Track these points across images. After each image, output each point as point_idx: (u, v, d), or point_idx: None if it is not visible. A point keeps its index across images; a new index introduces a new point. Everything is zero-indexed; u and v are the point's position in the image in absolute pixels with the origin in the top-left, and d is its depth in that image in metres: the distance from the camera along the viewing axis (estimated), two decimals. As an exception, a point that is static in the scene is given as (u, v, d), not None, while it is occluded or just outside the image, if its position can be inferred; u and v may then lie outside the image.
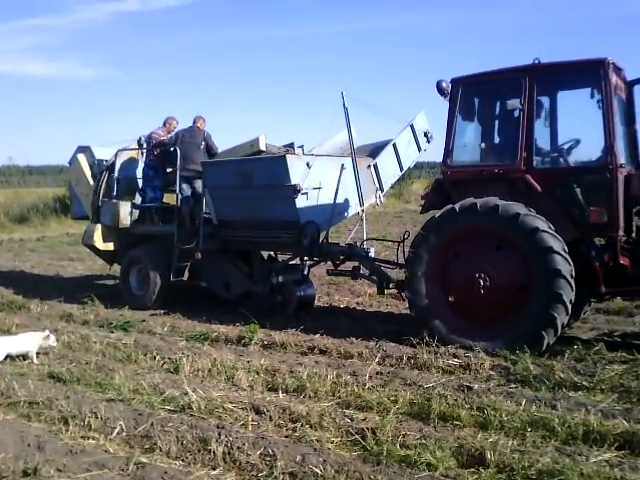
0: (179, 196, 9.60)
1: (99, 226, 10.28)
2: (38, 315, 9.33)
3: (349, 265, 8.93)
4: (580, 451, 4.21)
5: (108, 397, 5.52)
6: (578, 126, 7.37)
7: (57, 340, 7.25)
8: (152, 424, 4.75)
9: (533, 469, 3.91)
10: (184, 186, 9.58)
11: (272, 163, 8.70)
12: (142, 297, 9.80)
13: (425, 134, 10.30)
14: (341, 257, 8.88)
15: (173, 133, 9.96)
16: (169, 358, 6.77)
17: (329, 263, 9.14)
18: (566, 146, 7.22)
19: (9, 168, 56.48)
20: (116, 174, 10.24)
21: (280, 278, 9.01)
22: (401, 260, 8.07)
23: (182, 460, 4.32)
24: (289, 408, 5.05)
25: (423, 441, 4.38)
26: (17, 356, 6.86)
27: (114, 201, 10.14)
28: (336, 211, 8.84)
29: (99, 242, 10.31)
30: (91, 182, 10.58)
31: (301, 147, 10.27)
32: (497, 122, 7.57)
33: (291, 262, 9.45)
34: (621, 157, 6.65)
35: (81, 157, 10.76)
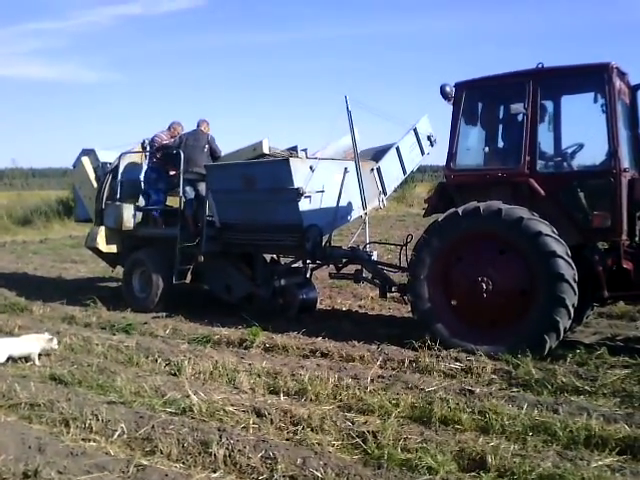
0: (182, 199, 9.61)
1: (102, 229, 10.29)
2: (40, 317, 9.34)
3: (351, 268, 8.93)
4: (582, 456, 4.20)
5: (109, 399, 5.52)
6: (582, 130, 7.36)
7: (59, 342, 7.26)
8: (153, 426, 4.74)
9: (534, 473, 3.90)
10: (187, 189, 9.59)
11: (275, 166, 8.71)
12: (144, 299, 9.80)
13: (428, 138, 10.30)
14: (344, 260, 8.88)
15: (177, 137, 9.98)
16: (171, 360, 6.77)
17: (331, 266, 9.14)
18: (570, 150, 7.21)
19: (13, 171, 56.71)
20: (120, 177, 10.26)
21: (282, 281, 9.01)
22: (404, 263, 8.07)
23: (183, 463, 4.32)
24: (290, 411, 5.05)
25: (424, 445, 4.37)
26: (19, 358, 6.87)
27: (117, 204, 10.15)
28: (339, 214, 8.83)
29: (102, 244, 10.32)
30: (95, 185, 10.60)
31: (304, 150, 10.28)
32: (501, 126, 7.58)
33: (293, 265, 9.45)
34: (625, 161, 6.64)
35: (85, 160, 10.79)
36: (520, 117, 6.97)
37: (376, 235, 14.02)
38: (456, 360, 6.38)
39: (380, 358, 6.61)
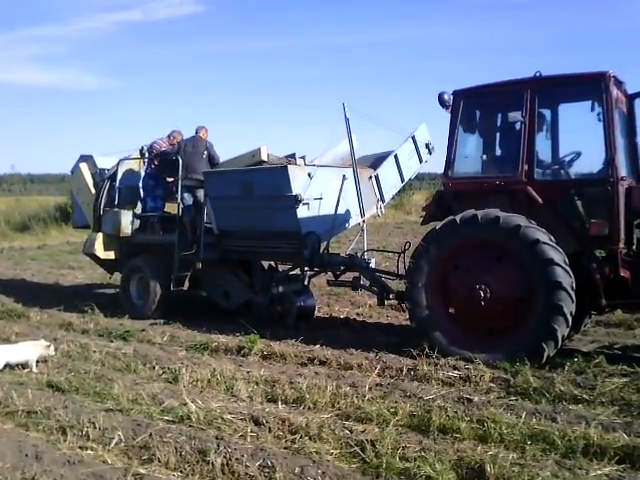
0: (180, 205, 9.61)
1: (100, 235, 10.29)
2: (38, 324, 9.33)
3: (349, 276, 8.92)
4: (580, 465, 4.19)
5: (107, 407, 5.50)
6: (579, 139, 7.40)
7: (56, 349, 7.25)
8: (151, 434, 4.73)
9: (533, 483, 3.89)
10: (186, 195, 9.60)
11: (274, 173, 8.71)
12: (142, 306, 9.79)
13: (426, 145, 10.33)
14: (342, 268, 8.88)
15: (176, 144, 9.99)
16: (168, 368, 6.76)
17: (329, 274, 9.14)
18: (567, 158, 7.23)
19: (11, 176, 56.67)
20: (118, 183, 10.27)
21: (280, 288, 9.00)
22: (402, 271, 8.07)
23: (180, 471, 4.31)
24: (288, 419, 5.03)
25: (423, 454, 4.36)
26: (16, 365, 6.85)
27: (115, 210, 10.16)
28: (337, 222, 8.84)
29: (100, 251, 10.32)
30: (93, 191, 10.60)
31: (303, 157, 10.29)
32: (498, 134, 7.59)
33: (291, 272, 9.44)
34: (622, 170, 6.66)
35: (83, 166, 10.80)
36: (518, 125, 7.00)
37: (374, 242, 14.03)
38: (454, 368, 6.37)
39: (378, 366, 6.60)
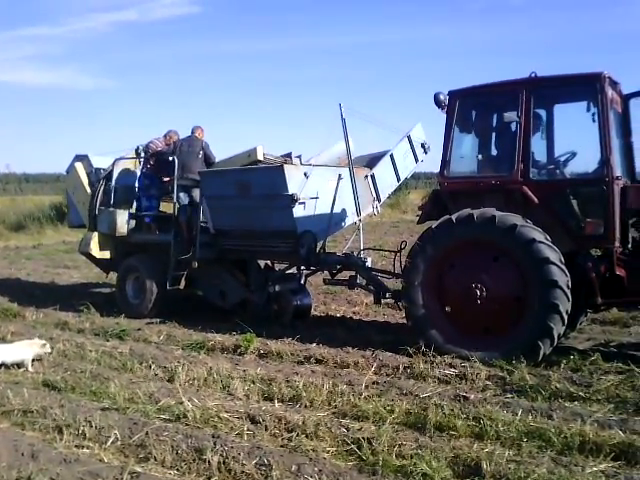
0: (176, 205, 9.60)
1: (96, 234, 10.28)
2: (33, 323, 9.30)
3: (346, 274, 8.93)
4: (576, 461, 4.21)
5: (103, 406, 5.50)
6: (574, 139, 7.43)
7: (52, 348, 7.24)
8: (147, 433, 4.73)
9: (529, 479, 3.90)
10: (181, 195, 9.59)
11: (270, 173, 8.72)
12: (138, 305, 9.78)
13: (422, 145, 10.34)
14: (338, 267, 8.88)
15: (172, 144, 9.98)
16: (165, 367, 6.75)
17: (326, 272, 9.14)
18: (563, 158, 7.26)
19: (6, 176, 56.37)
20: (113, 183, 10.25)
21: (277, 287, 9.01)
22: (398, 270, 8.09)
23: (177, 470, 4.31)
24: (285, 417, 5.04)
25: (419, 451, 4.37)
26: (12, 364, 6.83)
27: (111, 209, 10.15)
28: (333, 221, 8.85)
29: (96, 250, 10.31)
30: (88, 190, 10.59)
31: (299, 157, 10.30)
32: (494, 134, 7.61)
33: (288, 271, 9.45)
34: (617, 169, 6.69)
35: (79, 165, 10.78)
36: (513, 125, 7.02)
37: (370, 241, 14.04)
38: (450, 366, 6.39)
39: (375, 364, 6.61)
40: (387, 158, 9.96)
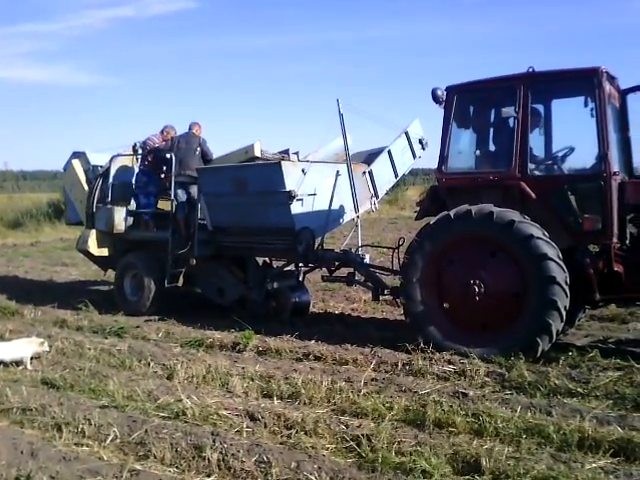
0: (174, 202, 9.58)
1: (94, 232, 10.25)
2: (32, 321, 9.29)
3: (344, 271, 8.92)
4: (575, 458, 4.21)
5: (102, 403, 5.50)
6: (572, 134, 7.42)
7: (50, 346, 7.23)
8: (146, 431, 4.72)
9: (528, 476, 3.91)
10: (179, 192, 9.56)
11: (267, 169, 8.71)
12: (136, 303, 9.77)
13: (420, 141, 10.33)
14: (336, 263, 8.88)
15: (169, 140, 9.96)
16: (163, 364, 6.75)
17: (324, 269, 9.13)
18: (560, 154, 7.25)
19: (4, 173, 56.29)
20: (111, 180, 10.23)
21: (275, 284, 9.01)
22: (396, 266, 8.09)
23: (176, 467, 4.31)
24: (284, 415, 5.04)
25: (418, 448, 4.37)
26: (10, 362, 6.82)
27: (109, 207, 10.12)
28: (331, 217, 8.84)
29: (93, 248, 10.28)
30: (86, 188, 10.56)
31: (296, 154, 10.28)
32: (492, 129, 7.60)
33: (286, 268, 9.44)
34: (615, 165, 6.68)
35: (76, 163, 10.75)
36: (511, 121, 7.02)
37: (368, 238, 14.01)
38: (449, 363, 6.39)
39: (373, 361, 6.61)
40: (385, 154, 9.95)
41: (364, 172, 9.50)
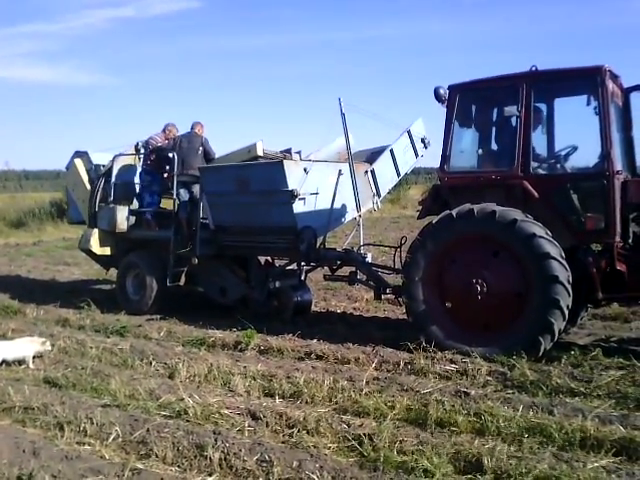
0: (176, 201, 9.59)
1: (96, 231, 10.26)
2: (34, 320, 9.29)
3: (346, 270, 8.92)
4: (577, 457, 4.20)
5: (104, 402, 5.50)
6: (575, 133, 7.40)
7: (53, 345, 7.24)
8: (148, 430, 4.73)
9: (530, 475, 3.90)
10: (181, 191, 9.57)
11: (269, 169, 8.70)
12: (138, 302, 9.78)
13: (422, 140, 10.32)
14: (338, 262, 8.88)
15: (171, 139, 9.97)
16: (165, 363, 6.75)
17: (326, 268, 9.13)
18: (563, 152, 7.23)
19: (6, 173, 56.33)
20: (113, 179, 10.23)
21: (277, 283, 9.01)
22: (398, 265, 8.07)
23: (178, 466, 4.31)
24: (286, 414, 5.04)
25: (420, 447, 4.37)
26: (13, 361, 6.83)
27: (111, 206, 10.13)
28: (333, 216, 8.84)
29: (96, 247, 10.29)
30: (88, 187, 10.57)
31: (298, 153, 10.28)
32: (494, 128, 7.59)
33: (288, 267, 9.44)
34: (618, 164, 6.67)
35: (78, 162, 10.76)
36: (514, 120, 7.00)
37: (370, 237, 14.03)
38: (451, 362, 6.39)
39: (375, 360, 6.61)
40: (387, 153, 9.95)
41: (366, 171, 9.49)
